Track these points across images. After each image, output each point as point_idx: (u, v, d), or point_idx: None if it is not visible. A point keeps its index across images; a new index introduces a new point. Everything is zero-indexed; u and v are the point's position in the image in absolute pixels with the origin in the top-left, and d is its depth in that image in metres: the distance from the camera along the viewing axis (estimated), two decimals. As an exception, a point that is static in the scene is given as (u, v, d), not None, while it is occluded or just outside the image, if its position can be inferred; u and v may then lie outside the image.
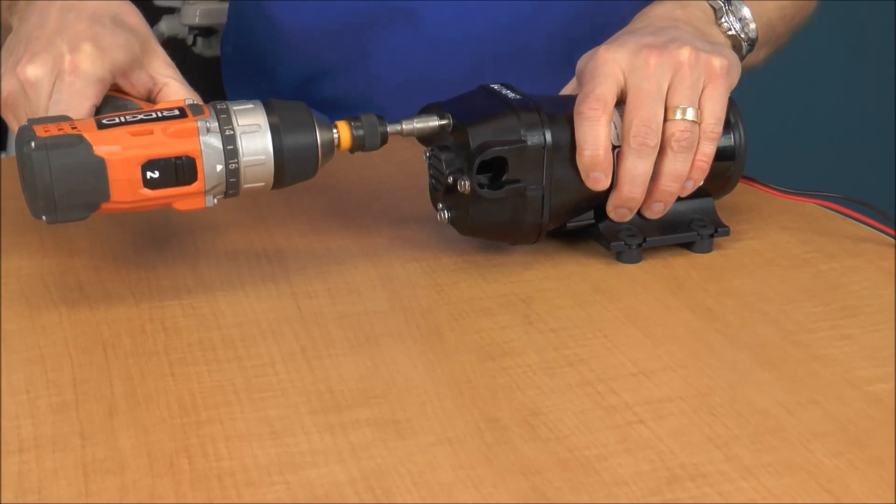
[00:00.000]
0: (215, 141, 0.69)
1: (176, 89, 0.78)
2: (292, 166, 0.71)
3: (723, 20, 0.86)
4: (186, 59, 1.25)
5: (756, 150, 0.86)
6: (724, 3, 0.86)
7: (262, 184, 0.72)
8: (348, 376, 0.65)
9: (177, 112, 0.70)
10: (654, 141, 0.75)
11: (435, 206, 0.79)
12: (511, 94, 0.77)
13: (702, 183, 0.78)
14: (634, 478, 0.56)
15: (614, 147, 0.76)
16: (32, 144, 0.67)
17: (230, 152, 0.70)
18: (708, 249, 0.80)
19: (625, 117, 0.75)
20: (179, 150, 0.69)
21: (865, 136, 2.24)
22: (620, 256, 0.78)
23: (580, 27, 1.04)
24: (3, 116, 0.78)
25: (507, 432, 0.60)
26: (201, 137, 0.69)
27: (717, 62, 0.76)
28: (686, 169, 0.76)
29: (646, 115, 0.75)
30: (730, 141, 0.79)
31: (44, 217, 0.68)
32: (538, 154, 0.74)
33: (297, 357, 0.67)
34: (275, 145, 0.71)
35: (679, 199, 0.78)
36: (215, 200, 0.71)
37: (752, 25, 0.87)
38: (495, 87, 0.78)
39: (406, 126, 0.75)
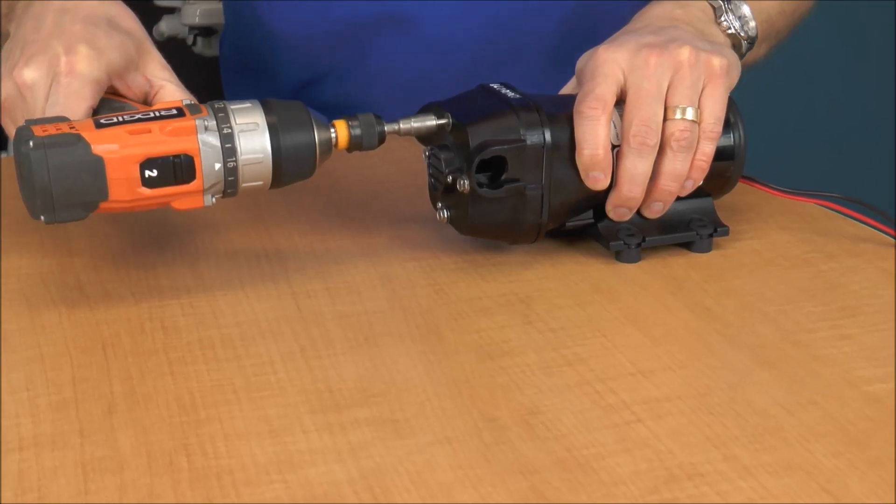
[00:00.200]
0: (213, 139, 0.70)
1: (172, 91, 0.78)
2: (290, 165, 0.71)
3: (722, 19, 0.86)
4: (186, 59, 1.26)
5: (756, 150, 0.86)
6: (723, 1, 0.86)
7: (261, 183, 0.72)
8: (347, 376, 0.65)
9: (174, 111, 0.70)
10: (654, 140, 0.75)
11: (434, 206, 0.79)
12: (511, 94, 0.77)
13: (701, 182, 0.78)
14: (632, 477, 0.56)
15: (614, 146, 0.76)
16: (30, 144, 0.67)
17: (228, 151, 0.70)
18: (707, 249, 0.80)
19: (624, 117, 0.75)
20: (177, 148, 0.69)
21: (865, 136, 2.25)
22: (620, 256, 0.78)
23: (577, 26, 1.04)
24: (1, 120, 0.78)
25: (505, 432, 0.60)
26: (199, 136, 0.69)
27: (717, 62, 0.76)
28: (685, 168, 0.76)
29: (645, 114, 0.75)
30: (729, 140, 0.79)
31: (42, 217, 0.68)
32: (537, 153, 0.74)
33: (296, 356, 0.67)
34: (273, 144, 0.71)
35: (678, 198, 0.78)
36: (214, 200, 0.71)
37: (752, 24, 0.87)
38: (495, 86, 0.78)
39: (403, 125, 0.76)
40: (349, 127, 0.74)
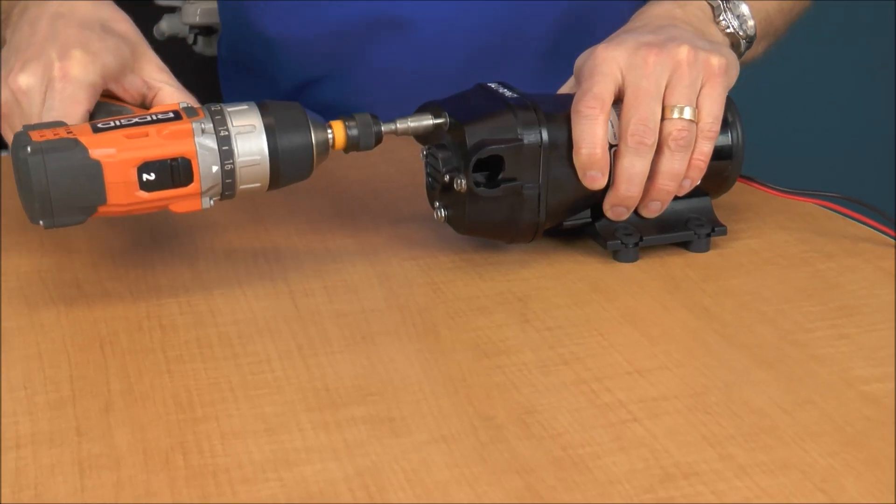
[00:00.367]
0: (210, 142, 0.70)
1: (170, 94, 0.79)
2: (288, 166, 0.72)
3: (721, 18, 0.86)
4: (186, 60, 1.26)
5: (754, 150, 0.86)
6: (722, 0, 0.86)
7: (258, 184, 0.72)
8: (344, 374, 0.65)
9: (171, 115, 0.70)
10: (652, 140, 0.75)
11: (432, 205, 0.79)
12: (508, 93, 0.77)
13: (699, 182, 0.78)
14: (628, 476, 0.56)
15: (611, 146, 0.76)
16: (28, 149, 0.67)
17: (225, 153, 0.70)
18: (705, 249, 0.80)
19: (622, 116, 0.75)
20: (175, 151, 0.69)
21: (865, 136, 2.24)
22: (617, 255, 0.79)
23: (573, 27, 1.04)
24: None
25: (501, 431, 0.60)
26: (196, 139, 0.69)
27: (716, 61, 0.76)
28: (683, 168, 0.76)
29: (643, 113, 0.75)
30: (727, 140, 0.79)
31: (41, 222, 0.68)
32: (535, 152, 0.74)
33: (293, 355, 0.67)
34: (270, 146, 0.71)
35: (676, 197, 0.78)
36: (212, 202, 0.71)
37: (751, 23, 0.87)
38: (492, 85, 0.78)
39: (400, 125, 0.76)
40: (346, 127, 0.74)
